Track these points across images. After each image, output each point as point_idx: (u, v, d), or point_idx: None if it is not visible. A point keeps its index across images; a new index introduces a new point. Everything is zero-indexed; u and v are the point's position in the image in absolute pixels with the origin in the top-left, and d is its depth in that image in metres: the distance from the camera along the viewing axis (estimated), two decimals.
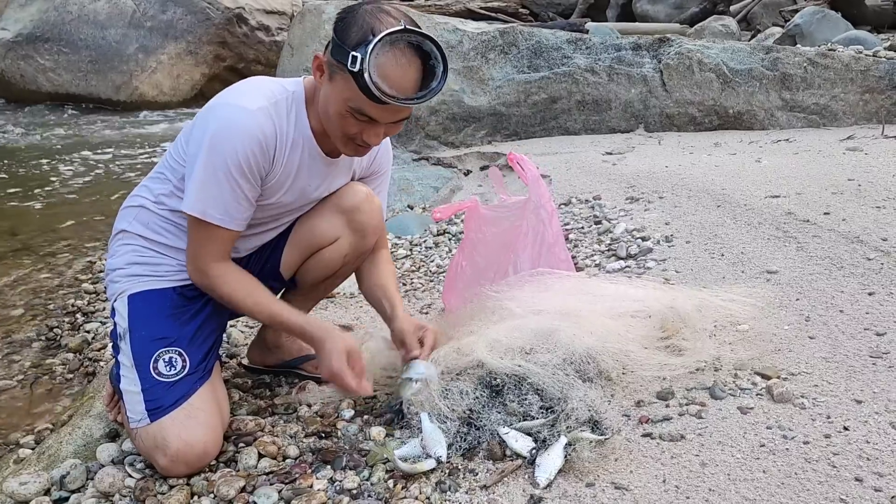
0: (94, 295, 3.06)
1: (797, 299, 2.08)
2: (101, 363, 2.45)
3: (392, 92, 1.47)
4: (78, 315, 2.89)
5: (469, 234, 2.33)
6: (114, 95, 8.70)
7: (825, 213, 2.69)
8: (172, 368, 1.63)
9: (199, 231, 1.63)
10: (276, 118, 1.61)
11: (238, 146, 1.55)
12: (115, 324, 1.73)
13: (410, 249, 3.26)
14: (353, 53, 1.45)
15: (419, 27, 1.52)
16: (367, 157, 1.86)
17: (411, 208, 4.03)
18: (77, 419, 2.00)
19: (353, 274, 1.99)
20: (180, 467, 1.56)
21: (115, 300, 1.74)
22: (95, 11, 8.90)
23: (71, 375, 2.47)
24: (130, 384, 1.63)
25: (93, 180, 5.29)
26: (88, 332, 2.71)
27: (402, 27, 1.47)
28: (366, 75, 1.44)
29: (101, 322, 2.78)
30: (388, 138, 1.80)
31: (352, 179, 1.88)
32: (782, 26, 8.62)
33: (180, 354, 1.65)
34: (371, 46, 1.44)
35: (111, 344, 1.77)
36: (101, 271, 3.30)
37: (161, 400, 1.59)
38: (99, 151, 6.34)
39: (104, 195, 4.83)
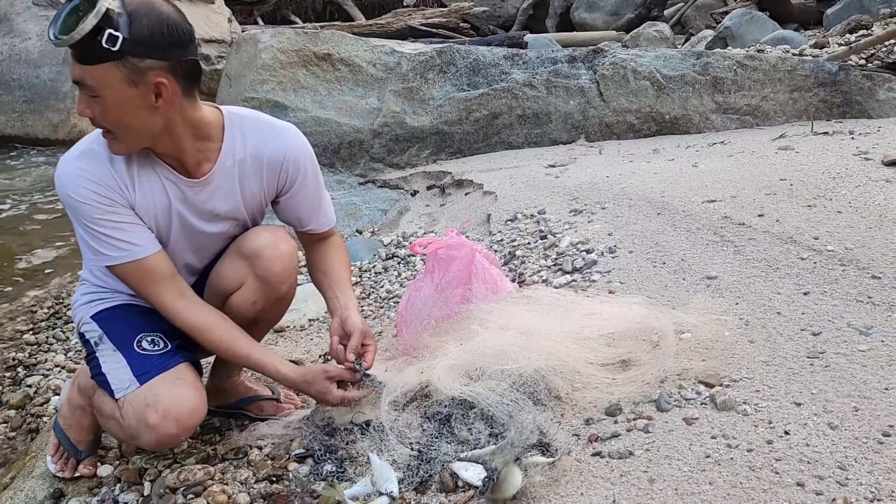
0: (35, 346, 2.97)
1: (736, 303, 2.13)
2: (45, 419, 2.38)
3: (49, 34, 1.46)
4: (19, 369, 2.80)
5: (439, 263, 2.24)
6: (52, 134, 8.49)
7: (759, 215, 2.76)
8: (156, 346, 1.71)
9: (129, 277, 1.67)
10: (103, 151, 1.61)
11: (75, 193, 1.59)
12: (86, 343, 1.78)
13: (360, 276, 3.24)
14: None
15: None
16: (260, 170, 1.74)
17: (360, 233, 4.02)
18: (20, 481, 1.94)
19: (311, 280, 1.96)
20: (170, 424, 1.60)
21: (80, 328, 1.81)
22: (27, 50, 8.70)
23: (13, 434, 2.39)
24: (115, 362, 1.69)
25: (32, 223, 5.14)
26: (30, 386, 2.63)
27: None
28: None
29: (42, 375, 2.70)
30: (293, 141, 1.77)
31: (263, 201, 1.80)
32: (714, 28, 8.85)
33: (161, 338, 1.73)
34: None
35: (85, 356, 1.81)
36: (41, 320, 3.21)
37: (148, 366, 1.66)
38: (34, 193, 6.17)
39: (43, 239, 4.70)
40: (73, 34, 1.41)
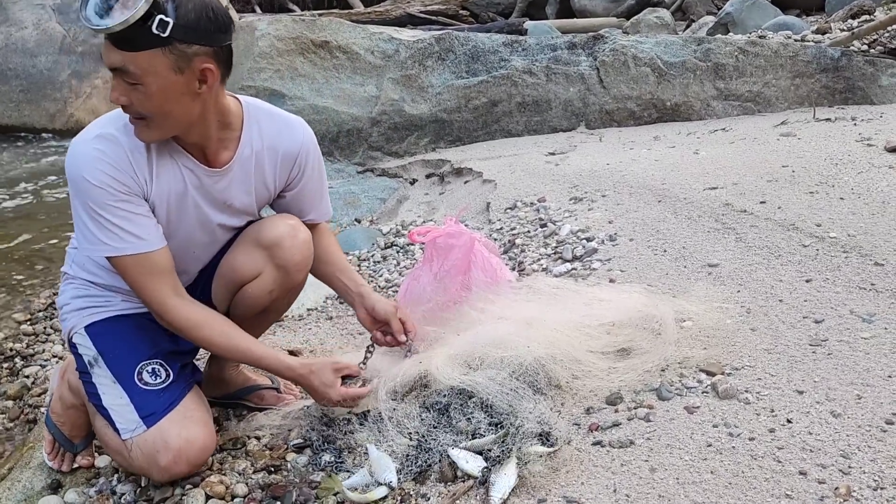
0: (32, 336, 2.96)
1: (738, 291, 2.11)
2: (42, 409, 2.37)
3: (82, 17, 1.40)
4: (17, 359, 2.79)
5: (438, 252, 2.23)
6: (49, 124, 8.45)
7: (761, 202, 2.73)
8: (157, 378, 1.66)
9: (127, 269, 1.59)
10: (123, 137, 1.55)
11: (91, 176, 1.52)
12: (78, 356, 1.72)
13: (359, 265, 3.22)
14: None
15: None
16: (275, 163, 1.73)
17: (359, 222, 4.00)
18: (17, 472, 1.93)
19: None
20: (181, 466, 1.59)
21: (71, 337, 1.74)
22: (23, 39, 8.65)
23: (11, 424, 2.38)
24: (116, 397, 1.63)
25: (28, 213, 5.12)
26: (28, 377, 2.62)
27: None
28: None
29: (40, 365, 2.69)
30: (305, 135, 1.76)
31: (272, 193, 1.79)
32: (715, 14, 8.79)
33: (162, 366, 1.68)
34: None
35: (77, 369, 1.74)
36: (39, 311, 3.20)
37: (153, 406, 1.61)
38: (30, 183, 6.14)
39: (40, 230, 4.68)
40: (125, 20, 1.37)
